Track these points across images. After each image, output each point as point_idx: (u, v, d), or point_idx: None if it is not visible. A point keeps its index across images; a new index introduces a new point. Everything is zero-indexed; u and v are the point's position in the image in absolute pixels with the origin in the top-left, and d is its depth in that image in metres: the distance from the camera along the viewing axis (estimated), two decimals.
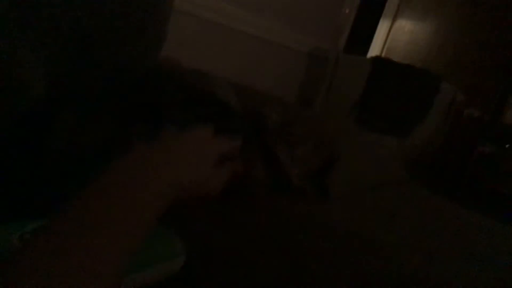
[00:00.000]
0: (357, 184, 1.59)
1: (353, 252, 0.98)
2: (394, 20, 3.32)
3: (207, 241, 0.81)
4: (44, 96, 0.72)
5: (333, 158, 1.55)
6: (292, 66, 2.30)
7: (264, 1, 1.96)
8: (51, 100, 0.77)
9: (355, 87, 2.36)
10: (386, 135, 2.27)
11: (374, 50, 3.26)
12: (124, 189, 0.45)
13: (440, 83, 2.34)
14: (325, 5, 2.43)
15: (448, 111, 2.41)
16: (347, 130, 2.00)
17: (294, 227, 1.02)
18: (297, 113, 1.43)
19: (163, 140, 0.55)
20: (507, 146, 3.02)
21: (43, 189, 0.73)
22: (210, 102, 1.00)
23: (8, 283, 0.33)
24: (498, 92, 3.06)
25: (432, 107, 2.31)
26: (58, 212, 0.40)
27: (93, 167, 0.58)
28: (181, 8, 1.58)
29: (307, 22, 2.30)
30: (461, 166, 2.86)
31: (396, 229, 1.24)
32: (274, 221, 1.01)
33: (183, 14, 1.60)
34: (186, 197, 0.54)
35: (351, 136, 1.92)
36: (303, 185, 1.29)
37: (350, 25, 2.70)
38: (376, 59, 2.40)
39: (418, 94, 2.28)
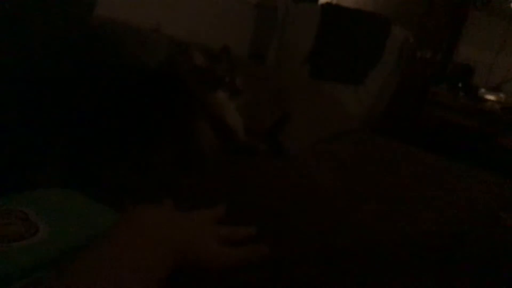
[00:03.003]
0: (313, 137, 1.58)
1: (308, 206, 0.97)
2: None
3: None
4: None
5: (286, 113, 1.53)
6: (241, 19, 2.22)
7: None
8: None
9: (307, 36, 2.31)
10: (340, 83, 2.25)
11: None
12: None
13: (391, 26, 2.32)
14: None
15: (401, 54, 2.40)
16: (300, 81, 1.96)
17: (242, 186, 1.00)
18: (245, 68, 1.38)
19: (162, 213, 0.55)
20: (460, 84, 3.07)
21: None
22: None
23: None
24: (448, 32, 3.08)
25: (384, 51, 2.30)
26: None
27: None
28: None
29: None
30: (416, 108, 2.90)
31: (354, 180, 1.24)
32: (226, 186, 0.98)
33: None
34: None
35: (305, 87, 1.88)
36: (252, 143, 1.26)
37: None
38: (326, 6, 2.35)
39: (369, 39, 2.26)
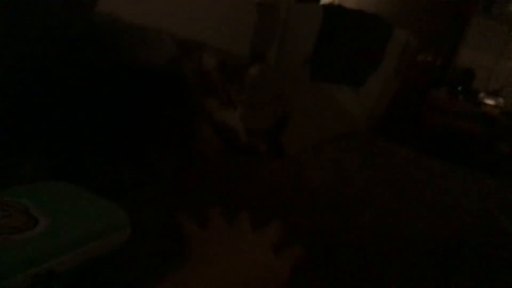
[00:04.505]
0: (314, 138, 1.58)
1: (308, 208, 0.96)
2: None
3: (155, 212, 0.77)
4: None
5: (287, 114, 1.52)
6: (242, 18, 2.21)
7: None
8: None
9: (308, 37, 2.31)
10: (341, 85, 2.25)
11: None
12: None
13: (393, 29, 2.31)
14: None
15: (402, 57, 2.40)
16: (301, 82, 1.96)
17: (242, 186, 1.00)
18: (243, 69, 1.38)
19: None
20: (459, 88, 3.08)
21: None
22: None
23: None
24: (449, 36, 3.09)
25: (385, 53, 2.30)
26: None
27: None
28: None
29: None
30: (415, 111, 2.90)
31: (354, 182, 1.24)
32: (225, 185, 0.98)
33: None
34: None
35: (306, 88, 1.89)
36: (254, 143, 1.25)
37: None
38: (328, 7, 2.35)
39: (371, 41, 2.25)
